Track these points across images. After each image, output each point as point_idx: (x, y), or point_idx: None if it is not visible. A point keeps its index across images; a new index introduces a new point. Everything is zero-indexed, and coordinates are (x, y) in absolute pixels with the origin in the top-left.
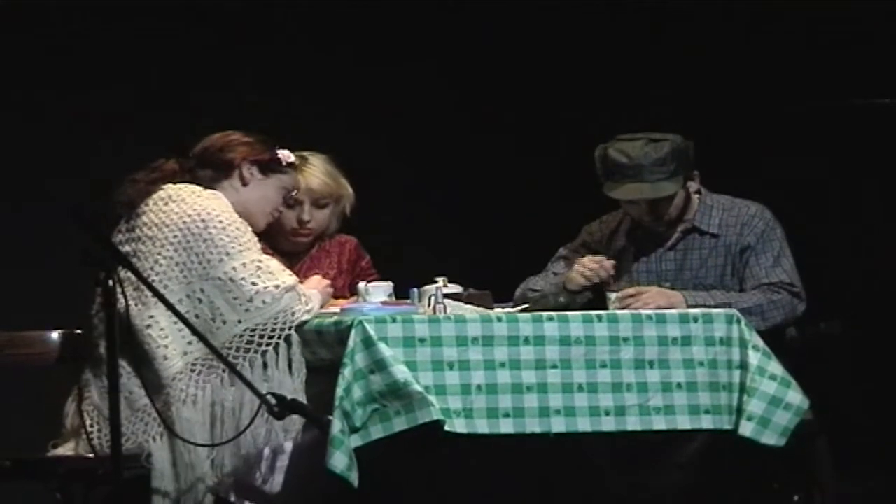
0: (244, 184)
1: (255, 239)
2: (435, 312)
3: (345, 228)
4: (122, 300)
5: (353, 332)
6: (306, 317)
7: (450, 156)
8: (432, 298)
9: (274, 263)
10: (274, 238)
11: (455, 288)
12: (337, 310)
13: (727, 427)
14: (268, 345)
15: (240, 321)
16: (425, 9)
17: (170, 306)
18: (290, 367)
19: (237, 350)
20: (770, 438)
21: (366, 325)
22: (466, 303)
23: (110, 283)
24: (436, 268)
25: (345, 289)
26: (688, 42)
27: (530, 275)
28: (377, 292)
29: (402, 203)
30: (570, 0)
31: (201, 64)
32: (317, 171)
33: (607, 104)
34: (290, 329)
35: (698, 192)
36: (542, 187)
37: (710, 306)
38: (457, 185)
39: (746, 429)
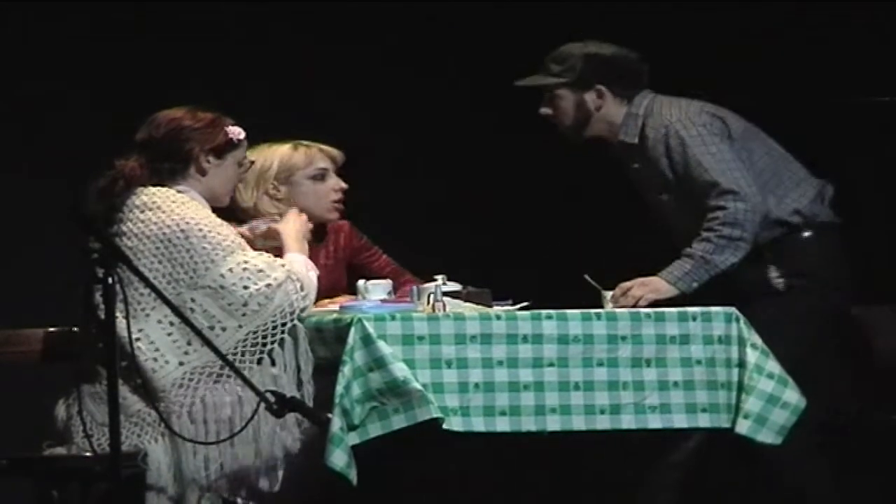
0: (203, 174)
1: (239, 239)
2: (434, 310)
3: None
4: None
5: (352, 330)
6: (305, 302)
7: (449, 153)
8: (431, 296)
9: (261, 260)
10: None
11: (454, 286)
12: (336, 307)
13: (725, 426)
14: (272, 342)
15: (240, 326)
16: (422, 7)
17: (170, 305)
18: (297, 358)
19: (243, 354)
20: (767, 437)
21: (365, 322)
22: (465, 301)
23: (110, 280)
24: (435, 266)
25: (342, 278)
26: (691, 39)
27: (530, 272)
28: (376, 290)
29: (401, 201)
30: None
31: (201, 62)
32: (324, 144)
33: None
34: (292, 321)
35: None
36: (542, 185)
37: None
38: (456, 182)
39: (743, 427)
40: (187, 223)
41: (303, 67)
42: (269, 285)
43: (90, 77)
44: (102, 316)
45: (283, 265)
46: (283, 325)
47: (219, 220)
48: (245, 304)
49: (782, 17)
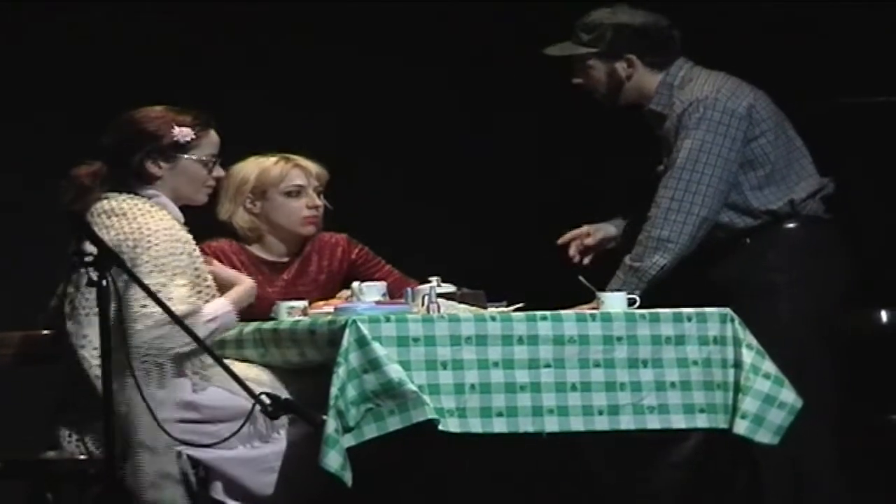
0: (156, 180)
1: (185, 263)
2: (429, 312)
3: (335, 227)
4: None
5: (347, 332)
6: (186, 349)
7: (444, 155)
8: (426, 298)
9: (177, 293)
10: (264, 239)
11: (448, 287)
12: (331, 309)
13: (722, 426)
14: (143, 363)
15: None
16: (419, 7)
17: (167, 308)
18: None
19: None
20: (764, 437)
21: (360, 324)
22: (460, 302)
23: (104, 283)
24: (429, 267)
25: (334, 291)
26: (690, 39)
27: (525, 273)
28: (371, 292)
29: (396, 202)
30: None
31: (201, 63)
32: (309, 160)
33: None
34: (164, 359)
35: (629, 77)
36: (537, 186)
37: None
38: (451, 184)
39: (741, 427)
40: (142, 232)
41: (303, 68)
42: (162, 314)
43: (90, 77)
44: (68, 321)
45: (193, 304)
46: (156, 356)
47: (178, 236)
48: (134, 321)
49: (782, 17)
